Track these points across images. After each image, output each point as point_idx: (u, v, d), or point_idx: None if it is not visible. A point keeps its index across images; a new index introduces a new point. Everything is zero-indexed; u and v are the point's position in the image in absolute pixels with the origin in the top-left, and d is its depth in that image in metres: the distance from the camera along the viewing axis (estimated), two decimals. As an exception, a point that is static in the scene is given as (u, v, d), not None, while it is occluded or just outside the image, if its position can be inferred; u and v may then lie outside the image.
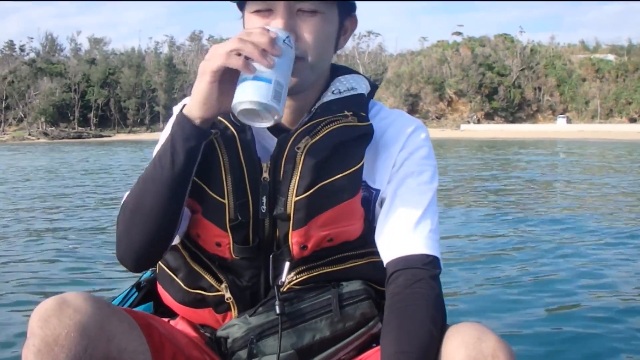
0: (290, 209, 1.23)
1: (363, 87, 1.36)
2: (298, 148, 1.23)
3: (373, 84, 1.40)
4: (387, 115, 1.38)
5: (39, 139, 79.95)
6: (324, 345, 1.29)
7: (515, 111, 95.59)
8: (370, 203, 1.34)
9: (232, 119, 1.27)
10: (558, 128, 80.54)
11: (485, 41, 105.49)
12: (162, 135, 1.31)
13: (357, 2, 1.33)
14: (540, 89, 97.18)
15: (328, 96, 1.32)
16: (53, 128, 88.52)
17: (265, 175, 1.25)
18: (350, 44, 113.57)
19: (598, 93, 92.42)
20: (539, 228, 7.44)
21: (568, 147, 34.92)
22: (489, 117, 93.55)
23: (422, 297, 1.19)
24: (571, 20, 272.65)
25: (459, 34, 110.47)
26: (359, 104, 1.32)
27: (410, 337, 1.12)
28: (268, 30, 1.13)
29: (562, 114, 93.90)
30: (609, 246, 6.24)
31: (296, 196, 1.23)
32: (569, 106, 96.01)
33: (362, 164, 1.27)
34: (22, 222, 7.70)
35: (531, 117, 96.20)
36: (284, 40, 1.14)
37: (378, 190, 1.33)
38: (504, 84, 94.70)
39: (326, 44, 1.28)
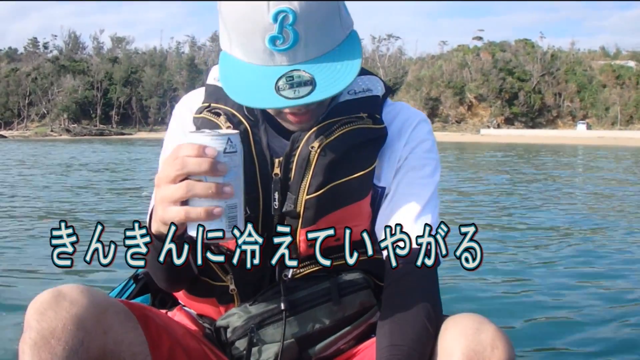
0: (301, 207, 1.23)
1: (378, 89, 1.34)
2: (312, 147, 1.22)
3: (388, 86, 1.38)
4: (391, 109, 1.37)
5: (61, 135, 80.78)
6: (324, 334, 1.28)
7: (535, 116, 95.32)
8: (376, 201, 1.33)
9: (246, 113, 1.27)
10: (578, 134, 80.00)
11: (505, 46, 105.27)
12: (167, 137, 1.37)
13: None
14: (560, 94, 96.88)
15: (343, 96, 1.30)
16: (75, 125, 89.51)
17: (277, 171, 1.24)
18: (370, 47, 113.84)
19: (618, 99, 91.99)
20: (543, 219, 7.67)
21: (589, 153, 34.87)
22: (509, 122, 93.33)
23: (416, 291, 1.19)
24: (591, 25, 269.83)
25: (480, 38, 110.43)
26: (374, 105, 1.31)
27: (403, 331, 1.13)
28: (204, 147, 0.97)
29: (582, 120, 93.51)
30: (614, 240, 6.39)
31: (307, 195, 1.22)
32: (589, 112, 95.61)
33: (374, 167, 1.27)
34: (17, 213, 7.56)
35: (551, 123, 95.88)
36: (225, 151, 0.97)
37: (384, 188, 1.32)
38: (524, 89, 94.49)
39: None
